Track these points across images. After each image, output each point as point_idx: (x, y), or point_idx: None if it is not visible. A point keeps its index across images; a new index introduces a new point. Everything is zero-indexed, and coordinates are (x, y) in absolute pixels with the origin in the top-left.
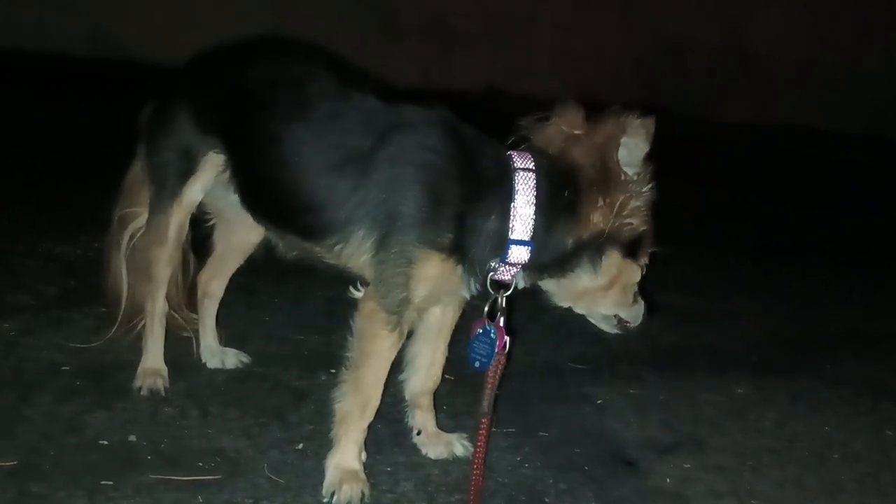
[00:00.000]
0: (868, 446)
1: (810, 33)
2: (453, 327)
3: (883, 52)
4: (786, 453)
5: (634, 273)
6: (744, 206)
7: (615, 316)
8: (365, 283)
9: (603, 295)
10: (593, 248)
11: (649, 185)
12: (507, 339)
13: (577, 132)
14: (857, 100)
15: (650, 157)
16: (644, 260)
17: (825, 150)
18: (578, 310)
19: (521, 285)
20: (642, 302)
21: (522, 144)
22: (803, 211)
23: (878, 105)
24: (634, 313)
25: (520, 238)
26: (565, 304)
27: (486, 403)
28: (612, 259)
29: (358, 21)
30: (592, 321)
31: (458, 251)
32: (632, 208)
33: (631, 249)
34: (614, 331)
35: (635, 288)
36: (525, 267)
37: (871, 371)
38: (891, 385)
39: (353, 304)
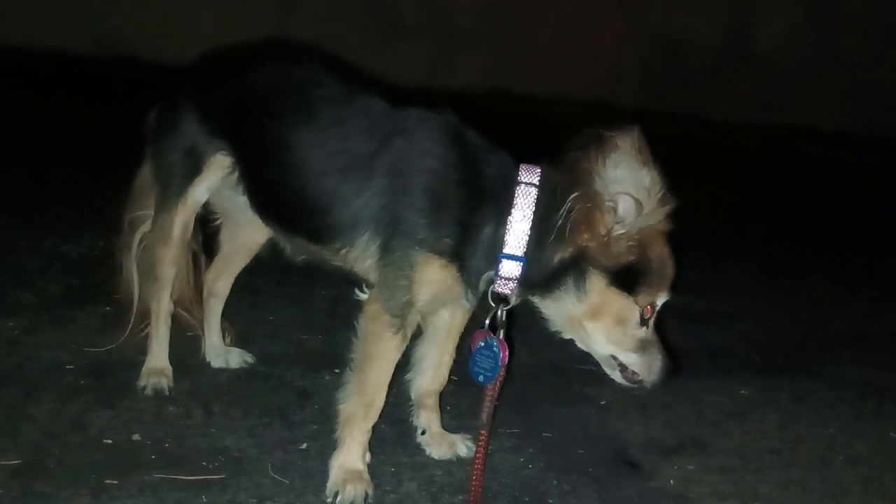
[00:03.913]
0: (871, 448)
1: (812, 33)
2: (462, 330)
3: (885, 52)
4: (789, 455)
5: (627, 308)
6: (746, 206)
7: (616, 360)
8: (370, 286)
9: (591, 325)
10: (577, 269)
11: (650, 220)
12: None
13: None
14: (860, 100)
15: (668, 186)
16: (645, 300)
17: (827, 151)
18: (579, 344)
19: (513, 301)
20: (659, 356)
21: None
22: (806, 211)
23: (880, 105)
24: (644, 365)
25: (512, 253)
26: (561, 332)
27: (485, 416)
28: (595, 284)
29: (361, 20)
30: (601, 364)
31: (458, 258)
32: (615, 234)
33: (622, 280)
34: (620, 379)
35: (643, 334)
36: (517, 282)
37: (874, 373)
38: (894, 387)
39: (356, 305)
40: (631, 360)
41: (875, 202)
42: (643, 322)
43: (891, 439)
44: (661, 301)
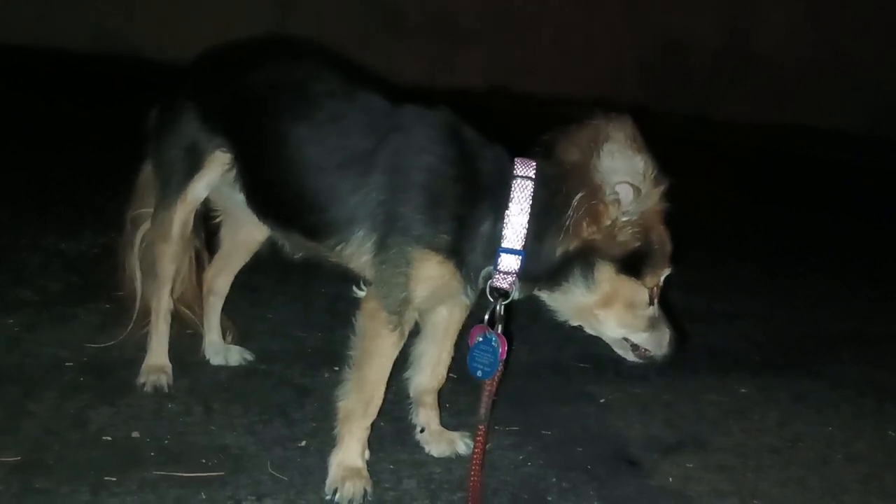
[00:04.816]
0: (871, 447)
1: (812, 33)
2: (460, 327)
3: (885, 52)
4: (788, 453)
5: (637, 292)
6: (746, 206)
7: (628, 341)
8: (367, 283)
9: (603, 313)
10: (583, 261)
11: (648, 203)
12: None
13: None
14: (860, 100)
15: (663, 177)
16: (652, 280)
17: (827, 151)
18: (588, 330)
19: (515, 296)
20: (667, 330)
21: (546, 150)
22: (806, 211)
23: (880, 105)
24: (655, 341)
25: (510, 246)
26: (569, 321)
27: (483, 411)
28: (605, 274)
29: (361, 19)
30: (612, 346)
31: (456, 254)
32: (620, 223)
33: (630, 266)
34: (632, 358)
35: (652, 312)
36: (517, 276)
37: (874, 372)
38: (894, 386)
39: (355, 302)
40: (643, 339)
41: (875, 202)
42: (651, 301)
43: (890, 438)
44: (664, 277)
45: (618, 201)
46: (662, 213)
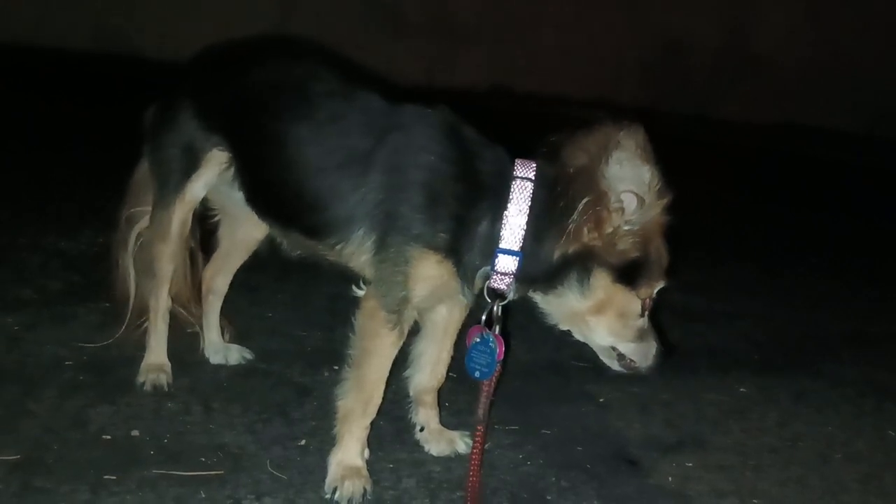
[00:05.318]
0: (871, 446)
1: (812, 33)
2: (459, 326)
3: (885, 52)
4: (788, 453)
5: (630, 302)
6: (746, 206)
7: (615, 350)
8: (367, 282)
9: (594, 320)
10: (580, 266)
11: (651, 214)
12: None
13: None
14: (860, 100)
15: (666, 183)
16: (646, 292)
17: (827, 151)
18: (577, 335)
19: (510, 297)
20: (654, 343)
21: (551, 152)
22: (806, 211)
23: (880, 105)
24: (641, 352)
25: (508, 247)
26: (559, 324)
27: (481, 411)
28: (600, 280)
29: (362, 19)
30: (598, 354)
31: (454, 253)
32: (622, 232)
33: (626, 275)
34: (617, 367)
35: (641, 323)
36: (514, 277)
37: (873, 372)
38: (894, 386)
39: (354, 301)
40: (630, 349)
41: (875, 202)
42: (642, 312)
43: (890, 437)
44: (657, 289)
45: (621, 209)
46: (663, 225)
